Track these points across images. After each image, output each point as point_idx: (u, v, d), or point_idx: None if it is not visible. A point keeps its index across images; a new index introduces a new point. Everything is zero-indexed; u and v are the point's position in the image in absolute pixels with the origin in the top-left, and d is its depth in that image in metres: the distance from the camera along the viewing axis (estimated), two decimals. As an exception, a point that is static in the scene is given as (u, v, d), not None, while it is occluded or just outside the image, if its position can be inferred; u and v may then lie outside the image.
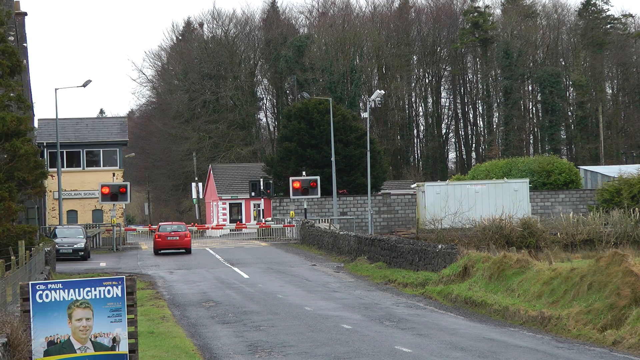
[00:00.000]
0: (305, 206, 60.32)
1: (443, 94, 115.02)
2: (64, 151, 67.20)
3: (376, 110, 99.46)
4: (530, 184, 62.51)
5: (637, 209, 48.73)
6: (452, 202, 56.31)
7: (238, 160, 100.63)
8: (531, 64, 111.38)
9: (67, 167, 67.82)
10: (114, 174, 61.59)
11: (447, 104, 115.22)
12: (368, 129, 59.59)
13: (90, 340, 13.70)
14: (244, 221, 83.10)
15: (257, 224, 64.56)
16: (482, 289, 27.16)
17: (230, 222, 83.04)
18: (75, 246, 48.38)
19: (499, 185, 59.52)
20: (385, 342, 20.08)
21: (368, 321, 23.65)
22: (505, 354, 18.47)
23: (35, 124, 63.72)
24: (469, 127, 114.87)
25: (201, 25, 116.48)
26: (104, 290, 13.85)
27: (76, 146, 69.71)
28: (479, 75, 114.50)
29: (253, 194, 65.16)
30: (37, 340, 13.53)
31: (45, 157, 63.63)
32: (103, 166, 69.53)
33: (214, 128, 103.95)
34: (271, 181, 65.59)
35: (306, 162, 71.52)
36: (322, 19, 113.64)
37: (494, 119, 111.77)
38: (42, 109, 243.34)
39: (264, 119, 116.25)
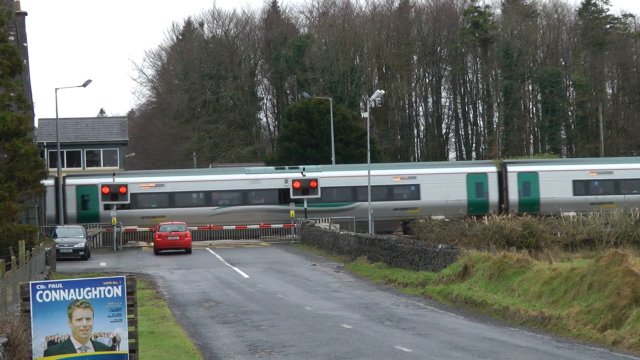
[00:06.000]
0: (306, 206, 60.30)
1: (443, 94, 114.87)
2: (64, 151, 67.16)
3: (376, 110, 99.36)
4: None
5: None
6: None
7: (238, 160, 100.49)
8: (531, 64, 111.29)
9: (67, 166, 67.71)
10: (114, 174, 61.46)
11: (447, 104, 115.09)
12: (368, 128, 59.55)
13: (91, 340, 13.70)
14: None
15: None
16: (482, 289, 27.16)
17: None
18: (75, 246, 48.38)
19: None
20: (385, 341, 20.08)
21: (368, 321, 23.65)
22: (505, 353, 18.47)
23: (36, 124, 63.70)
24: (469, 127, 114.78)
25: (201, 25, 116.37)
26: (104, 290, 13.84)
27: (76, 146, 69.65)
28: (479, 75, 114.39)
29: (253, 193, 65.02)
30: (37, 340, 13.52)
31: (46, 157, 63.57)
32: (103, 166, 69.46)
33: (214, 128, 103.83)
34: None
35: (306, 162, 71.51)
36: (323, 18, 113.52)
37: (494, 119, 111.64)
38: (42, 108, 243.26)
39: (264, 119, 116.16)
